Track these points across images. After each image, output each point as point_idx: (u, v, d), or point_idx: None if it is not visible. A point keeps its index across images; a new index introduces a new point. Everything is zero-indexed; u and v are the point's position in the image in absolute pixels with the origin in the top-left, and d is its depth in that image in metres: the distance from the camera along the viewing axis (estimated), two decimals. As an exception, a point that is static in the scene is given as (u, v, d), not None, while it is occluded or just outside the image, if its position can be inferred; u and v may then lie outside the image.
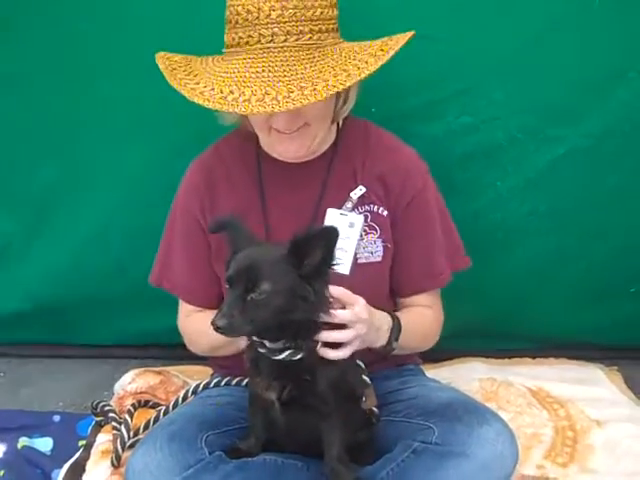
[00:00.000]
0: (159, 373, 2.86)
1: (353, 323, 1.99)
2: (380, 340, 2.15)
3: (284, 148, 2.20)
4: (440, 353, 2.84)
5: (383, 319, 2.17)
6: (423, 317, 2.36)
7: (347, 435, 2.05)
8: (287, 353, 1.94)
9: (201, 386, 2.43)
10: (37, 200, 2.97)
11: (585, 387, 2.91)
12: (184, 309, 2.43)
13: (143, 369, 2.93)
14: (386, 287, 2.34)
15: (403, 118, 2.62)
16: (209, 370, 2.67)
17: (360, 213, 2.27)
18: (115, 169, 2.87)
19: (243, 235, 1.97)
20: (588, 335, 3.08)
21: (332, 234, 1.85)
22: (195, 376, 2.93)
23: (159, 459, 1.99)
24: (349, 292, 2.00)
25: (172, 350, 2.95)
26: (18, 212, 3.00)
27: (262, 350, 1.97)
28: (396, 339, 2.19)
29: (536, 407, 2.77)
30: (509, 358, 3.12)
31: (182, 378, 2.88)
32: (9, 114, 2.83)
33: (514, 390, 2.85)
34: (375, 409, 2.19)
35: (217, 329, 1.84)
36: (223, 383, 2.40)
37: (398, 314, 2.25)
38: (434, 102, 2.67)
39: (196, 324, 2.39)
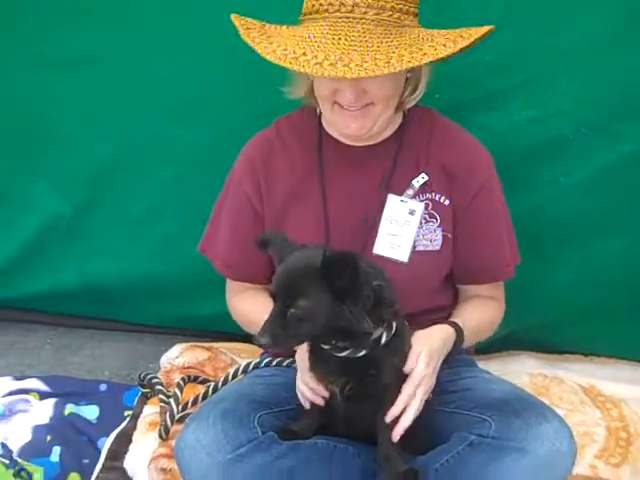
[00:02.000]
0: (207, 349, 2.84)
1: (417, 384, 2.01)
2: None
3: (345, 124, 2.16)
4: (489, 345, 2.78)
5: (447, 340, 2.16)
6: (486, 310, 2.33)
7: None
8: (349, 351, 1.93)
9: (251, 365, 2.40)
10: (92, 178, 2.97)
11: (639, 388, 2.85)
12: (230, 286, 2.42)
13: (191, 344, 2.91)
14: (442, 276, 2.31)
15: (465, 108, 2.57)
16: (258, 349, 2.63)
17: (421, 201, 2.24)
18: (171, 148, 2.85)
19: (286, 246, 1.96)
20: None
21: (350, 263, 1.81)
22: (243, 354, 2.92)
23: (211, 435, 1.97)
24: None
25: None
26: (73, 190, 3.01)
27: (324, 347, 1.96)
28: (459, 350, 2.20)
29: (588, 405, 2.71)
30: (559, 354, 3.07)
31: (230, 355, 2.86)
32: (69, 94, 2.84)
33: (566, 387, 2.79)
34: (430, 394, 2.14)
35: (260, 345, 1.89)
36: (274, 363, 2.37)
37: (460, 313, 2.25)
38: (498, 92, 2.62)
39: (242, 305, 2.38)
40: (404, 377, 2.02)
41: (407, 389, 1.99)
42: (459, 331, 2.19)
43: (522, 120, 2.61)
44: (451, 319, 2.22)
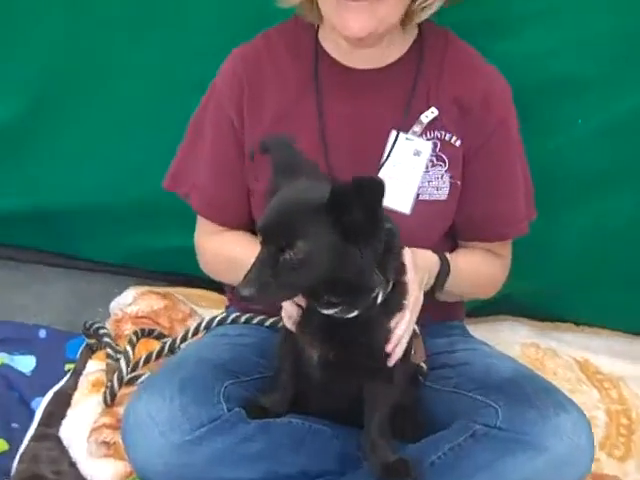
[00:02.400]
0: (164, 296, 2.51)
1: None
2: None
3: (346, 24, 1.80)
4: (477, 309, 2.56)
5: (430, 262, 1.88)
6: (487, 262, 2.04)
7: (394, 397, 1.73)
8: (338, 309, 1.61)
9: (215, 321, 2.08)
10: (39, 86, 2.56)
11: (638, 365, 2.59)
12: (204, 225, 2.07)
13: (146, 288, 2.59)
14: (444, 230, 2.00)
15: (477, 33, 2.19)
16: (223, 299, 2.34)
17: (428, 140, 1.92)
18: (141, 60, 2.45)
19: (294, 163, 1.61)
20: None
21: (376, 191, 1.46)
22: (203, 303, 2.62)
23: (168, 412, 1.67)
24: None
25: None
26: (17, 96, 2.58)
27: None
28: (441, 285, 1.91)
29: (585, 384, 2.46)
30: (551, 322, 2.79)
31: (189, 304, 2.55)
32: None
33: (560, 361, 2.53)
34: (423, 364, 1.88)
35: (243, 299, 1.51)
36: (243, 320, 2.05)
37: (453, 256, 1.96)
38: (515, 18, 2.28)
39: (218, 247, 2.04)
40: None
41: (403, 319, 1.68)
42: (444, 260, 1.91)
43: (540, 51, 2.29)
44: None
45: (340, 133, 1.89)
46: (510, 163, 2.00)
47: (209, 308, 2.55)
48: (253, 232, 2.00)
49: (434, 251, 1.90)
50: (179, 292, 2.62)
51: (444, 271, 1.90)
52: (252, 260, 1.52)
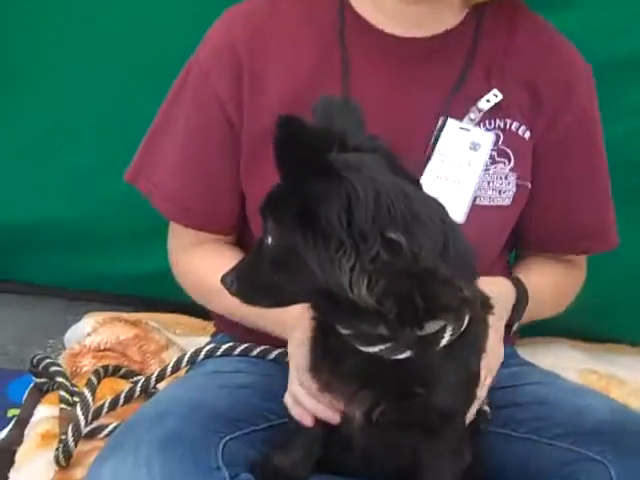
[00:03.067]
0: (133, 324, 2.12)
1: None
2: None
3: None
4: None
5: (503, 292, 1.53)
6: (564, 279, 1.68)
7: (461, 464, 1.29)
8: (384, 347, 1.16)
9: (202, 353, 1.64)
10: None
11: None
12: (178, 235, 1.65)
13: (109, 314, 2.19)
14: (504, 241, 1.63)
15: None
16: (205, 325, 2.04)
17: (489, 130, 1.54)
18: (96, 35, 2.20)
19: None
20: None
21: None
22: (179, 329, 2.23)
23: (145, 481, 1.20)
24: None
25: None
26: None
27: (342, 331, 1.19)
28: (519, 319, 1.56)
29: (660, 418, 2.02)
30: (600, 343, 2.40)
31: (165, 333, 2.14)
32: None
33: (627, 389, 2.12)
34: (486, 407, 1.45)
35: (229, 291, 1.19)
36: (238, 351, 1.60)
37: (524, 276, 1.60)
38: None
39: (191, 265, 1.63)
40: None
41: None
42: (520, 288, 1.56)
43: (605, 27, 2.04)
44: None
45: (373, 121, 1.43)
46: (597, 160, 1.65)
47: (187, 336, 2.18)
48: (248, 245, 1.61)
49: (506, 277, 1.55)
50: (151, 318, 2.22)
51: (521, 302, 1.55)
52: None
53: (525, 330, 2.19)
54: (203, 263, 1.59)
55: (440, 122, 1.52)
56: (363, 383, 1.21)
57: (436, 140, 1.52)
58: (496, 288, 1.42)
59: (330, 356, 1.23)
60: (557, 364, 2.16)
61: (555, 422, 1.40)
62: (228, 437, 1.31)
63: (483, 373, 1.29)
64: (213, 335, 1.78)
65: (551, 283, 1.64)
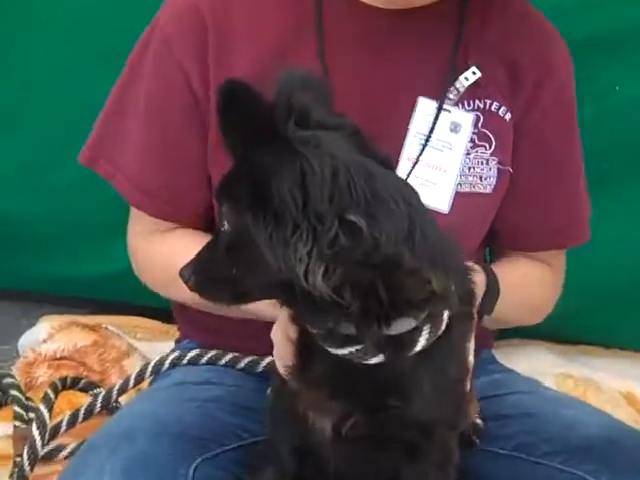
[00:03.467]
0: (92, 329, 2.02)
1: None
2: None
3: None
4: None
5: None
6: (539, 278, 1.55)
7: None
8: (354, 349, 1.05)
9: (167, 362, 1.52)
10: None
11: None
12: (138, 221, 1.50)
13: (66, 318, 2.10)
14: (486, 229, 1.51)
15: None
16: (172, 329, 1.90)
17: (468, 111, 1.42)
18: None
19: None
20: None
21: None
22: (139, 334, 2.15)
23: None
24: None
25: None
26: None
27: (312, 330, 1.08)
28: (489, 312, 1.40)
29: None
30: (574, 345, 2.33)
31: (126, 339, 2.05)
32: None
33: (604, 396, 2.05)
34: (479, 420, 1.35)
35: (187, 285, 1.08)
36: (205, 359, 1.49)
37: (498, 269, 1.44)
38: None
39: (153, 249, 1.49)
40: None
41: None
42: (491, 278, 1.41)
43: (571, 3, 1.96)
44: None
45: (348, 99, 1.31)
46: (572, 144, 1.54)
47: (148, 341, 2.11)
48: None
49: (478, 264, 1.39)
50: (111, 322, 2.12)
51: (492, 292, 1.40)
52: None
53: (501, 332, 2.15)
54: (165, 248, 1.45)
55: (422, 103, 1.40)
56: (333, 391, 1.09)
57: (414, 121, 1.40)
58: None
59: (302, 358, 1.11)
60: (534, 368, 2.09)
61: (543, 437, 1.30)
62: (199, 459, 1.20)
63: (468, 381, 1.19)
64: (177, 341, 1.66)
65: (524, 283, 1.51)
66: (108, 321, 2.12)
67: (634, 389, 2.11)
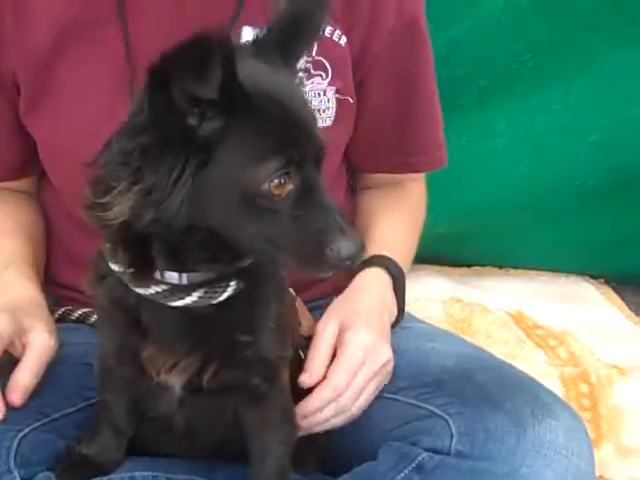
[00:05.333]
0: None
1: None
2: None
3: None
4: None
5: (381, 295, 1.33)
6: (408, 207, 1.50)
7: (291, 431, 1.14)
8: (198, 295, 0.99)
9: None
10: None
11: (581, 310, 2.12)
12: None
13: None
14: (337, 163, 1.43)
15: None
16: None
17: None
18: None
19: None
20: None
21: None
22: None
23: None
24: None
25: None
26: None
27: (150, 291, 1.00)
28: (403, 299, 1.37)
29: (525, 344, 1.93)
30: (467, 267, 2.28)
31: None
32: None
33: (492, 317, 2.01)
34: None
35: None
36: (55, 317, 1.37)
37: (378, 230, 1.41)
38: None
39: None
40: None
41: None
42: (390, 268, 1.35)
43: None
44: (373, 250, 1.36)
45: (156, 42, 1.20)
46: (425, 65, 1.43)
47: None
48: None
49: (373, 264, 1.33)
50: None
51: (399, 280, 1.36)
52: None
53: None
54: None
55: (243, 32, 1.25)
56: (188, 348, 1.03)
57: None
58: (370, 295, 1.28)
59: (140, 329, 1.04)
60: (423, 295, 2.06)
61: (401, 374, 1.25)
62: (28, 429, 1.13)
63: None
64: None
65: (405, 219, 1.47)
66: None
67: (523, 308, 2.08)
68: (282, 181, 0.91)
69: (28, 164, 1.37)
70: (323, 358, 1.18)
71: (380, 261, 1.33)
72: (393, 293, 1.33)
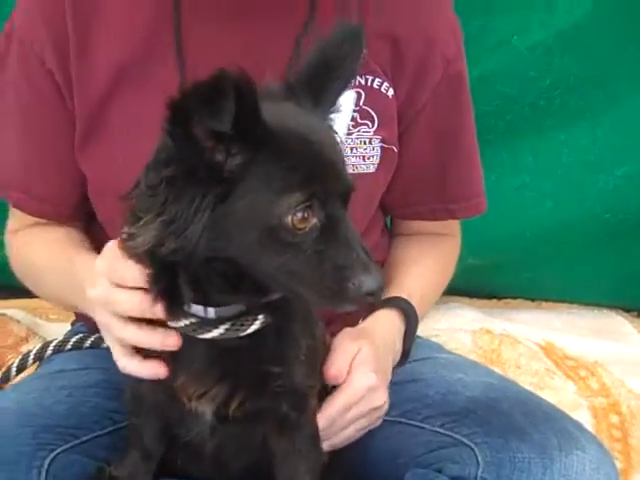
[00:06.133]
0: None
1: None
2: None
3: None
4: None
5: (391, 337, 1.33)
6: (439, 258, 1.50)
7: (318, 457, 1.16)
8: (225, 328, 1.03)
9: (50, 348, 1.45)
10: None
11: (612, 343, 2.11)
12: (15, 216, 1.46)
13: None
14: (373, 208, 1.44)
15: None
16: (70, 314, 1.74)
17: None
18: None
19: None
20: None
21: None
22: (53, 315, 2.05)
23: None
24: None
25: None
26: None
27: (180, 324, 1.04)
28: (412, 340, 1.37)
29: (556, 374, 1.92)
30: (498, 299, 2.29)
31: (25, 323, 1.95)
32: None
33: (522, 348, 2.01)
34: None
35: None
36: (88, 343, 1.42)
37: (402, 274, 1.42)
38: None
39: (21, 245, 1.45)
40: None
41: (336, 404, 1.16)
42: (408, 311, 1.35)
43: None
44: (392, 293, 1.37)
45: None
46: (465, 119, 1.46)
47: (63, 322, 1.96)
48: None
49: (391, 305, 1.34)
50: (13, 305, 2.02)
51: (411, 322, 1.35)
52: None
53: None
54: (30, 245, 1.41)
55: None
56: (217, 378, 1.06)
57: None
58: (380, 334, 1.28)
59: (179, 356, 1.07)
60: (453, 326, 2.07)
61: (426, 402, 1.26)
62: (59, 450, 1.15)
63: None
64: (73, 323, 1.60)
65: (432, 274, 1.47)
66: (11, 305, 2.02)
67: (554, 339, 2.08)
68: (305, 215, 0.93)
69: (83, 207, 1.41)
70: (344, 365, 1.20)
71: (398, 303, 1.34)
72: (402, 338, 1.33)
